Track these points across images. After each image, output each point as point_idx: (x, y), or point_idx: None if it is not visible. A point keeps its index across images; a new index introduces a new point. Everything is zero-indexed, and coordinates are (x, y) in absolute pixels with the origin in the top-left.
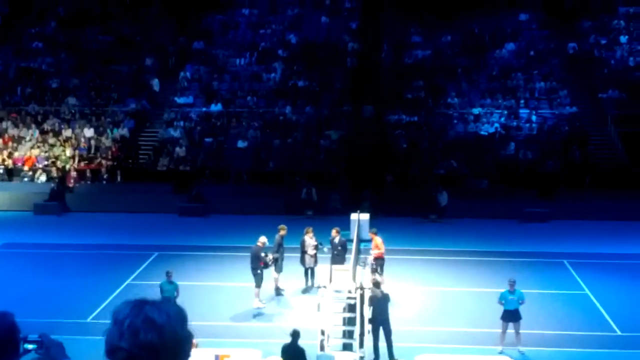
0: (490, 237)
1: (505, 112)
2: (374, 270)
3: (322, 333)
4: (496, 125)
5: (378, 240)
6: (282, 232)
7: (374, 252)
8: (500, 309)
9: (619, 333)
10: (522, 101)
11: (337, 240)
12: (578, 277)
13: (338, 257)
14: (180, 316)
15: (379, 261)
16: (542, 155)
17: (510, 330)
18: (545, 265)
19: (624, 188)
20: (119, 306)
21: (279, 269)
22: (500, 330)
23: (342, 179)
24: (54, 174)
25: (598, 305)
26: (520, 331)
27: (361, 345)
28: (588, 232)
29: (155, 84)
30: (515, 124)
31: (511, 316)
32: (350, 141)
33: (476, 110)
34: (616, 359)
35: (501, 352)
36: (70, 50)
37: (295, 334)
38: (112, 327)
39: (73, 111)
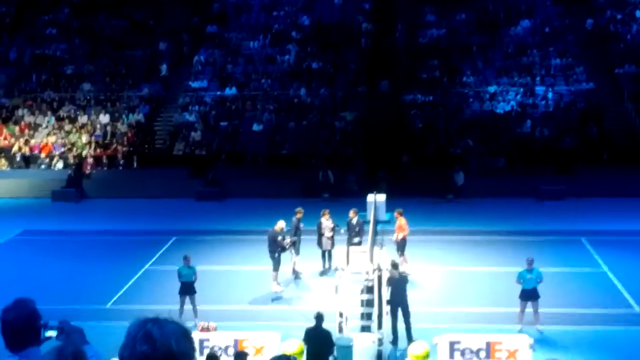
0: (508, 216)
1: (521, 89)
2: (399, 251)
3: (340, 315)
4: (512, 103)
5: (402, 220)
6: (299, 215)
7: (400, 233)
8: (518, 288)
9: (637, 310)
10: (537, 78)
11: (354, 221)
12: (596, 255)
13: (356, 237)
14: (177, 333)
15: (402, 242)
16: (559, 132)
17: (529, 309)
18: (563, 243)
19: None
20: (132, 322)
21: (296, 252)
22: (518, 309)
23: (358, 161)
24: (71, 160)
25: (616, 282)
26: (539, 310)
27: (380, 326)
28: (606, 209)
29: (164, 69)
30: (531, 101)
31: (529, 295)
32: (366, 122)
33: (492, 89)
34: (635, 336)
35: (520, 331)
36: (84, 36)
37: (320, 317)
38: (124, 339)
39: (88, 97)
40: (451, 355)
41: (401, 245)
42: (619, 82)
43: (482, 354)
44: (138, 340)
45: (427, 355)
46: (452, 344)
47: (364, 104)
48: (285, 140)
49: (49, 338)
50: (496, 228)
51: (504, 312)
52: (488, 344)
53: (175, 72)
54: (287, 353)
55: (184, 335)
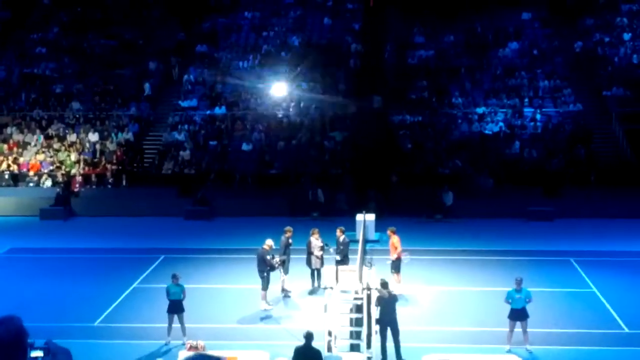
0: (496, 236)
1: (510, 111)
2: (393, 270)
3: (330, 334)
4: (500, 124)
5: (395, 238)
6: (288, 234)
7: (397, 252)
8: (507, 308)
9: (626, 330)
10: (526, 100)
11: (341, 239)
12: (585, 275)
13: (340, 256)
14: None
15: (397, 261)
16: (547, 153)
17: (518, 329)
18: (552, 263)
19: (629, 185)
20: None
21: (285, 271)
22: (507, 329)
23: (347, 180)
24: (59, 178)
25: (605, 303)
26: (528, 330)
27: (369, 345)
28: (594, 230)
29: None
30: (519, 122)
31: (518, 315)
32: (355, 142)
33: (480, 110)
34: (624, 356)
35: (509, 351)
36: (73, 55)
37: (309, 336)
38: None
39: (77, 116)
40: None
41: (396, 265)
42: (606, 105)
43: None
44: None
45: None
46: None
47: (353, 124)
48: (274, 159)
49: (35, 359)
50: (485, 248)
51: (493, 332)
52: None
53: (165, 91)
54: None
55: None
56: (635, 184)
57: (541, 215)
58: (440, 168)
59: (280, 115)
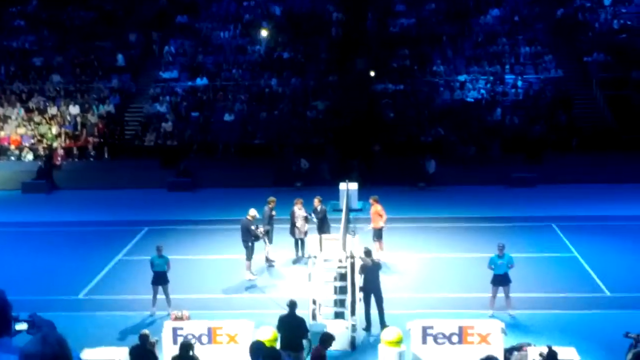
0: (479, 203)
1: (491, 78)
2: (375, 238)
3: (314, 302)
4: (482, 91)
5: (379, 207)
6: (272, 205)
7: (379, 221)
8: (489, 274)
9: (608, 294)
10: (507, 67)
11: (319, 208)
12: (566, 240)
13: (321, 224)
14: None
15: (378, 229)
16: (529, 120)
17: (500, 294)
18: (534, 229)
19: (610, 150)
20: None
21: (269, 241)
22: (490, 295)
23: (329, 150)
24: (41, 152)
25: (587, 267)
26: (510, 295)
27: (353, 313)
28: (575, 195)
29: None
30: (501, 89)
31: (501, 280)
32: (337, 111)
33: (462, 77)
34: (606, 319)
35: (492, 316)
36: (53, 28)
37: (293, 304)
38: None
39: (58, 89)
40: (424, 341)
41: (377, 233)
42: (587, 70)
43: (455, 339)
44: None
45: (400, 341)
46: (424, 329)
47: (335, 93)
48: (257, 130)
49: (20, 332)
50: (467, 215)
51: (476, 297)
52: (460, 329)
53: (146, 62)
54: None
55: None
56: (616, 149)
57: (523, 181)
58: (422, 136)
59: (262, 85)
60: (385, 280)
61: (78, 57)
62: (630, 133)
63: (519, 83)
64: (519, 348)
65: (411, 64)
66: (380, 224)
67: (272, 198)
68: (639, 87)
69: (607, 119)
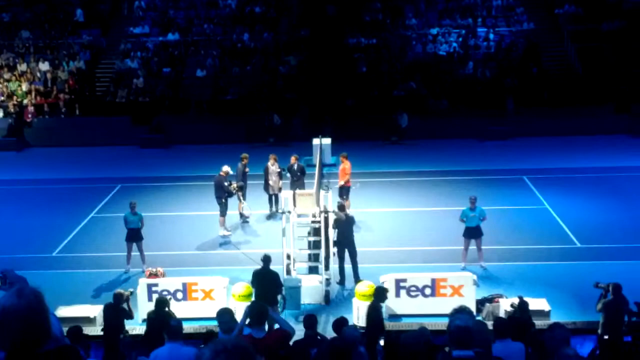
0: (451, 157)
1: (463, 31)
2: (344, 196)
3: (288, 257)
4: (454, 45)
5: (347, 164)
6: (245, 161)
7: (345, 178)
8: (462, 227)
9: (578, 245)
10: (479, 20)
11: (295, 166)
12: (537, 192)
13: (297, 182)
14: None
15: (346, 187)
16: (500, 72)
17: (472, 246)
18: (505, 181)
19: (580, 103)
20: (207, 353)
21: (243, 197)
22: (462, 247)
23: (302, 105)
24: (11, 109)
25: (557, 218)
26: (482, 247)
27: (327, 267)
28: (547, 147)
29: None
30: (473, 42)
31: (473, 233)
32: (310, 66)
33: (434, 31)
34: (576, 270)
35: (464, 269)
36: None
37: (267, 259)
38: None
39: (27, 45)
40: (397, 293)
41: (346, 190)
42: (558, 23)
43: (428, 291)
44: None
45: (374, 294)
46: (398, 282)
47: (307, 48)
48: (229, 85)
49: None
50: (439, 168)
51: (448, 250)
52: (433, 281)
53: (116, 17)
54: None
55: None
56: (587, 101)
57: (495, 134)
58: (395, 90)
59: (234, 40)
60: (358, 235)
61: (47, 13)
62: (600, 85)
63: (491, 36)
64: (490, 299)
65: (383, 18)
66: (341, 182)
67: (245, 154)
68: (609, 39)
69: (577, 71)
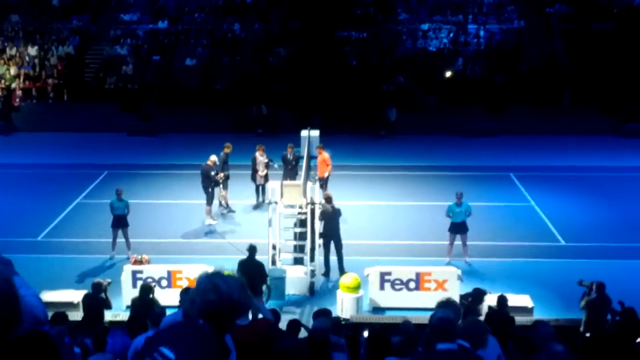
0: (439, 152)
1: (454, 27)
2: (321, 187)
3: (274, 248)
4: (444, 41)
5: (326, 155)
6: (227, 150)
7: (327, 169)
8: (447, 222)
9: (563, 243)
10: (470, 16)
11: (291, 156)
12: (524, 190)
13: (291, 171)
14: (238, 286)
15: (326, 178)
16: (490, 70)
17: (458, 242)
18: (492, 178)
19: (568, 102)
20: (201, 276)
21: (224, 186)
22: (447, 242)
23: (291, 96)
24: None
25: (543, 216)
26: (467, 243)
27: (312, 259)
28: (534, 145)
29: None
30: (463, 39)
31: (458, 228)
32: (300, 58)
33: (425, 26)
34: (561, 267)
35: (448, 263)
36: None
37: (252, 249)
38: (194, 288)
39: (16, 29)
40: (381, 287)
41: (325, 181)
42: (549, 21)
43: (412, 285)
44: (208, 291)
45: (358, 286)
46: (382, 275)
47: (298, 39)
48: (218, 75)
49: None
50: (427, 164)
51: (434, 245)
52: (418, 275)
53: (106, 4)
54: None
55: (243, 288)
56: (575, 100)
57: (483, 131)
58: (384, 85)
59: (224, 30)
60: (344, 227)
61: None
62: (589, 85)
63: (481, 33)
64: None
65: (375, 12)
66: (326, 173)
67: (228, 144)
68: (599, 38)
69: (567, 70)
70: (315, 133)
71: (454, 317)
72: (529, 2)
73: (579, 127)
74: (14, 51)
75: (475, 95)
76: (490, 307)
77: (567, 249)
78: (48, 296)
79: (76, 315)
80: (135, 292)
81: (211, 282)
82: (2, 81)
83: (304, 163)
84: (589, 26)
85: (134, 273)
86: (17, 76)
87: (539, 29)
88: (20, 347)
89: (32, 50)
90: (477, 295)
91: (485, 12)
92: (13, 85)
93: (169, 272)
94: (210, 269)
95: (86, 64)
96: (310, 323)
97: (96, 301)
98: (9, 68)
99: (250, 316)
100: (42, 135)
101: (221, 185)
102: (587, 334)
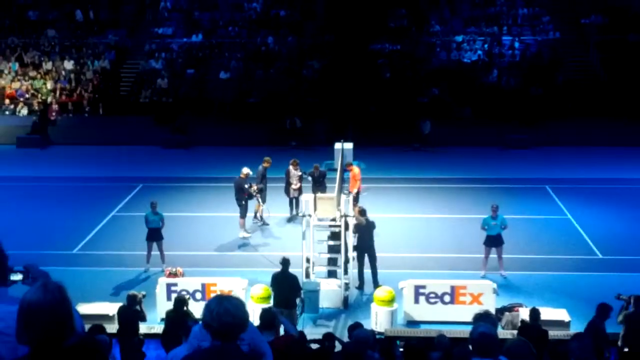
0: (473, 165)
1: (488, 39)
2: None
3: (307, 261)
4: (479, 52)
5: (357, 170)
6: (266, 165)
7: (357, 184)
8: (483, 235)
9: (600, 256)
10: (504, 28)
11: (316, 174)
12: (560, 202)
13: (320, 187)
14: (243, 305)
15: (356, 194)
16: (525, 82)
17: (493, 255)
18: (528, 190)
19: (604, 113)
20: (211, 301)
21: (263, 200)
22: (482, 256)
23: (325, 109)
24: (36, 107)
25: (580, 229)
26: (503, 256)
27: (345, 272)
28: (570, 157)
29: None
30: (497, 51)
31: (494, 241)
32: (333, 71)
33: (459, 38)
34: (597, 281)
35: (484, 277)
36: None
37: (286, 262)
38: (205, 312)
39: (53, 43)
40: (416, 300)
41: (355, 197)
42: (584, 32)
43: (447, 298)
44: (222, 315)
45: (393, 300)
46: (417, 288)
47: (331, 52)
48: (252, 88)
49: (15, 282)
50: (461, 176)
51: (469, 258)
52: (453, 289)
53: (142, 18)
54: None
55: (245, 306)
56: (610, 112)
57: (518, 143)
58: (418, 97)
59: (258, 43)
60: (378, 240)
61: (74, 12)
62: (625, 96)
63: (516, 44)
64: (510, 309)
65: (408, 24)
66: (355, 189)
67: (267, 158)
68: (635, 49)
69: (603, 81)
70: (349, 146)
71: (494, 331)
72: (564, 13)
73: (616, 140)
74: (50, 66)
75: (510, 107)
76: (523, 321)
77: (605, 262)
78: (83, 309)
79: (111, 328)
80: (170, 305)
81: (223, 306)
82: (39, 95)
83: (337, 175)
84: (625, 37)
85: (169, 286)
86: (54, 90)
87: (575, 40)
88: (77, 354)
89: (68, 65)
90: (533, 314)
91: (520, 24)
92: (49, 100)
93: (203, 285)
94: (242, 283)
95: (121, 78)
96: (344, 336)
97: (131, 313)
98: (45, 82)
99: (282, 332)
100: (78, 148)
101: (260, 199)
102: (626, 349)
